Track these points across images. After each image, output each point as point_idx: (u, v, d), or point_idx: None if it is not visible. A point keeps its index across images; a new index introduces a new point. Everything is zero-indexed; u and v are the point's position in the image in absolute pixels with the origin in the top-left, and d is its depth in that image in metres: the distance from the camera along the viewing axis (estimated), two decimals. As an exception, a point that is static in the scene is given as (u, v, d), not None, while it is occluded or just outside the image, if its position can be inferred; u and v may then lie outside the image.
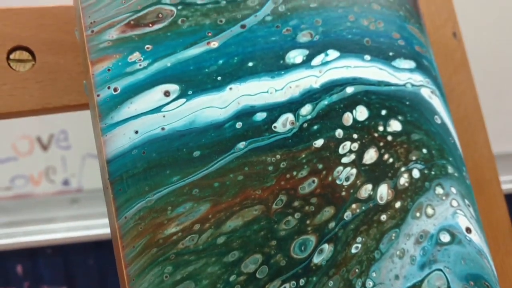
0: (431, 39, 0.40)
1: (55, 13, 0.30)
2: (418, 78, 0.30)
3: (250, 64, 0.26)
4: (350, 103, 0.27)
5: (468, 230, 0.28)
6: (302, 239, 0.25)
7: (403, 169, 0.28)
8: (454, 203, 0.29)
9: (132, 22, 0.24)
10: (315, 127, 0.26)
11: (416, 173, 0.28)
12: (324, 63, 0.27)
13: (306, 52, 0.27)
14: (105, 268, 0.86)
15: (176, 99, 0.24)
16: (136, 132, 0.23)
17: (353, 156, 0.27)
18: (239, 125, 0.25)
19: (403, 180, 0.28)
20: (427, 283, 0.26)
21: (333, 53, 0.28)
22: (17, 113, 0.29)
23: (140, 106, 0.23)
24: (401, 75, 0.29)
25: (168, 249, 0.22)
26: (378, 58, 0.29)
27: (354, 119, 0.27)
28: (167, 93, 0.24)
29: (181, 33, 0.25)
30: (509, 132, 0.90)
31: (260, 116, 0.25)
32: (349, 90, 0.28)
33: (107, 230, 0.80)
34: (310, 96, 0.27)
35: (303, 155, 0.26)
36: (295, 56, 0.27)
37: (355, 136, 0.27)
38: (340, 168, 0.26)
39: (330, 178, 0.26)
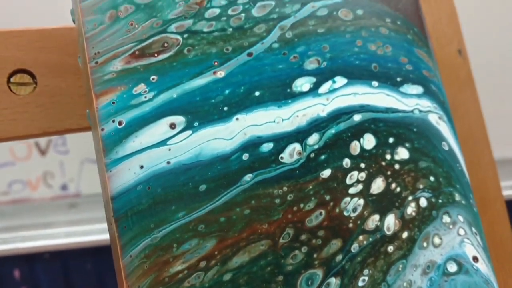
0: (436, 57, 0.39)
1: (57, 35, 0.29)
2: (425, 104, 0.29)
3: (257, 93, 0.25)
4: (358, 132, 0.27)
5: (475, 259, 0.28)
6: (309, 273, 0.24)
7: (410, 198, 0.27)
8: (461, 232, 0.28)
9: (137, 52, 0.23)
10: (323, 157, 0.26)
11: (423, 202, 0.28)
12: (331, 91, 0.27)
13: (314, 79, 0.27)
14: (104, 273, 0.85)
15: (182, 131, 0.23)
16: (141, 167, 0.22)
17: (360, 186, 0.26)
18: (245, 156, 0.24)
19: (410, 210, 0.27)
20: (435, 316, 0.26)
21: (340, 80, 0.27)
22: (17, 138, 0.28)
23: (145, 139, 0.22)
24: (408, 101, 0.29)
25: None
26: (386, 84, 0.29)
27: (362, 148, 0.27)
28: (172, 126, 0.23)
29: (187, 63, 0.24)
30: (510, 137, 0.90)
31: (267, 147, 0.25)
32: (357, 118, 0.27)
33: (105, 236, 0.80)
34: (317, 125, 0.26)
35: (311, 187, 0.25)
36: (302, 84, 0.26)
37: (362, 165, 0.27)
38: (348, 199, 0.26)
39: (337, 210, 0.25)
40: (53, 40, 0.29)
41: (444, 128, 0.30)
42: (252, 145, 0.24)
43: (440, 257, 0.27)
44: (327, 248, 0.25)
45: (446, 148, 0.29)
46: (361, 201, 0.26)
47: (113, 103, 0.22)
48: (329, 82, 0.27)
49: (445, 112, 0.30)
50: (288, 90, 0.26)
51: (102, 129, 0.22)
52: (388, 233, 0.26)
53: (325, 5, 0.28)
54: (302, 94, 0.26)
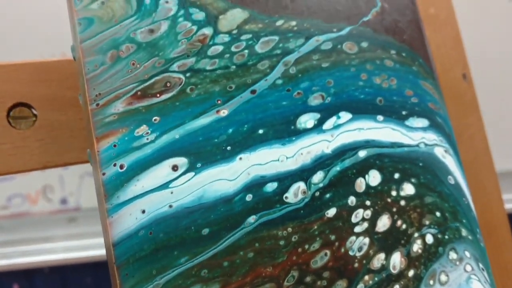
0: (441, 81, 0.39)
1: (57, 68, 0.29)
2: (431, 137, 0.29)
3: (261, 131, 0.25)
4: (363, 168, 0.27)
5: (482, 296, 0.28)
6: (314, 317, 0.24)
7: (416, 235, 0.27)
8: (468, 268, 0.28)
9: (139, 93, 0.23)
10: (328, 195, 0.25)
11: (429, 238, 0.27)
12: (336, 127, 0.27)
13: (318, 115, 0.26)
14: (103, 287, 0.85)
15: (185, 173, 0.23)
16: (143, 211, 0.22)
17: (366, 225, 0.26)
18: (249, 197, 0.24)
19: (416, 247, 0.27)
20: None
21: (345, 115, 0.27)
22: (15, 172, 0.28)
23: (147, 183, 0.22)
24: (414, 135, 0.29)
25: (176, 336, 0.21)
26: (391, 118, 0.28)
27: (367, 185, 0.26)
28: (175, 168, 0.23)
29: (190, 102, 0.24)
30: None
31: (271, 186, 0.24)
32: (362, 154, 0.27)
33: (104, 251, 0.79)
34: (322, 162, 0.26)
35: (315, 227, 0.25)
36: (306, 120, 0.26)
37: (368, 203, 0.26)
38: (353, 238, 0.25)
39: (342, 250, 0.25)
40: (52, 73, 0.29)
41: (450, 162, 0.29)
42: (256, 185, 0.24)
43: (447, 295, 0.27)
44: (332, 290, 0.24)
45: (452, 182, 0.29)
46: (367, 240, 0.26)
47: (115, 146, 0.22)
48: (334, 118, 0.27)
49: (451, 145, 0.30)
50: (292, 127, 0.25)
51: (103, 174, 0.21)
52: (394, 271, 0.26)
53: (329, 39, 0.28)
54: (307, 131, 0.26)
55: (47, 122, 0.28)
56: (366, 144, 0.27)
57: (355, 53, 0.28)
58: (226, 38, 0.25)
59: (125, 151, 0.22)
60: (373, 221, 0.26)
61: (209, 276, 0.22)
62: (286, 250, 0.24)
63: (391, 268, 0.26)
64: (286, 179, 0.25)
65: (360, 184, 0.26)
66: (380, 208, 0.26)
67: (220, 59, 0.25)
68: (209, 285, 0.22)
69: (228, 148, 0.24)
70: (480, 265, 0.28)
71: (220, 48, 0.25)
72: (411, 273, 0.26)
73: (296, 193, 0.25)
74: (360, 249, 0.26)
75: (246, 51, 0.25)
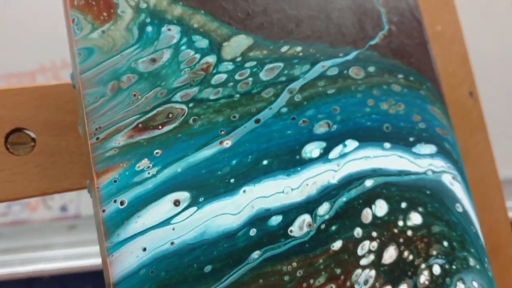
0: (447, 100, 0.38)
1: (56, 92, 0.28)
2: (439, 164, 0.28)
3: (265, 162, 0.24)
4: (369, 198, 0.26)
5: (491, 328, 0.27)
6: None
7: (423, 266, 0.26)
8: (476, 299, 0.27)
9: (140, 125, 0.22)
10: (333, 227, 0.25)
11: (436, 269, 0.27)
12: (342, 155, 0.26)
13: (324, 144, 0.26)
14: (103, 295, 0.84)
15: (187, 208, 0.22)
16: (144, 249, 0.21)
17: (372, 257, 0.25)
18: (253, 232, 0.23)
19: (423, 278, 0.26)
20: None
21: (351, 144, 0.26)
22: (13, 199, 0.27)
23: (148, 220, 0.21)
24: (421, 162, 0.28)
25: None
26: (398, 145, 0.27)
27: (374, 215, 0.26)
28: (177, 203, 0.22)
29: (192, 134, 0.23)
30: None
31: (276, 220, 0.24)
32: (368, 183, 0.26)
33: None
34: (328, 193, 0.25)
35: (321, 260, 0.24)
36: (312, 149, 0.25)
37: (374, 234, 0.26)
38: (359, 271, 0.25)
39: (348, 283, 0.24)
40: (52, 97, 0.28)
41: (458, 189, 0.29)
42: (260, 219, 0.23)
43: (455, 328, 0.26)
44: (338, 327, 0.24)
45: (460, 210, 0.28)
46: (373, 273, 0.25)
47: (115, 181, 0.21)
48: (340, 147, 0.26)
49: (459, 172, 0.29)
50: (298, 157, 0.25)
51: (103, 211, 0.21)
52: (400, 305, 0.25)
53: (335, 64, 0.27)
54: (312, 161, 0.25)
55: (46, 148, 0.28)
56: (373, 173, 0.26)
57: (362, 78, 0.27)
58: (230, 66, 0.25)
59: (126, 187, 0.21)
60: (379, 253, 0.26)
61: (212, 315, 0.22)
62: (290, 286, 0.23)
63: (398, 301, 0.25)
64: (291, 212, 0.24)
65: (366, 215, 0.26)
66: (387, 239, 0.26)
67: (224, 88, 0.24)
68: (212, 324, 0.21)
69: (232, 180, 0.23)
70: (489, 296, 0.28)
71: (224, 76, 0.24)
72: (418, 305, 0.26)
73: (301, 226, 0.24)
74: (366, 282, 0.25)
75: (251, 79, 0.25)
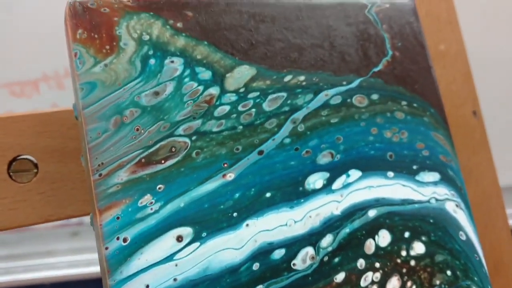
0: (450, 119, 0.38)
1: (58, 118, 0.28)
2: (442, 192, 0.28)
3: (268, 194, 0.24)
4: (373, 228, 0.26)
5: None
6: None
7: (426, 295, 0.26)
8: (479, 328, 0.27)
9: (143, 160, 0.22)
10: (336, 259, 0.25)
11: (440, 299, 0.27)
12: (345, 186, 0.26)
13: (327, 175, 0.25)
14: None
15: (190, 244, 0.22)
16: (147, 286, 0.21)
17: (375, 288, 0.25)
18: (256, 266, 0.23)
19: (427, 309, 0.26)
20: None
21: (355, 173, 0.26)
22: (15, 227, 0.27)
23: (151, 256, 0.21)
24: (425, 190, 0.28)
25: None
26: (402, 173, 0.27)
27: (377, 246, 0.26)
28: (179, 238, 0.22)
29: (195, 167, 0.23)
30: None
31: (279, 253, 0.23)
32: (372, 213, 0.26)
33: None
34: (331, 224, 0.25)
35: (323, 293, 0.24)
36: (315, 180, 0.25)
37: (377, 265, 0.25)
38: (362, 303, 0.25)
39: (351, 316, 0.24)
40: (54, 123, 0.28)
41: (461, 217, 0.29)
42: (263, 253, 0.23)
43: None
44: None
45: (464, 238, 0.28)
46: (376, 304, 0.25)
47: (118, 218, 0.21)
48: (343, 177, 0.26)
49: (463, 199, 0.29)
50: (301, 188, 0.25)
51: (106, 248, 0.21)
52: (403, 336, 0.25)
53: (338, 93, 0.27)
54: (315, 192, 0.25)
55: (48, 175, 0.28)
56: (376, 203, 0.26)
57: (365, 107, 0.27)
58: (233, 97, 0.24)
59: (129, 223, 0.21)
60: (382, 283, 0.25)
61: None
62: (293, 320, 0.23)
63: (400, 332, 0.25)
64: (294, 245, 0.24)
65: (369, 246, 0.26)
66: (390, 269, 0.26)
67: (227, 120, 0.24)
68: None
69: (235, 214, 0.23)
70: (492, 324, 0.28)
71: (227, 108, 0.24)
72: (421, 336, 0.26)
73: (304, 259, 0.24)
74: (369, 314, 0.25)
75: (254, 110, 0.25)
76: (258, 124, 0.25)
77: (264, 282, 0.23)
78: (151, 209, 0.22)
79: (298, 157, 0.25)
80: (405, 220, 0.27)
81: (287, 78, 0.26)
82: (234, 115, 0.24)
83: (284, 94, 0.26)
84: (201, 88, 0.24)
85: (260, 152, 0.24)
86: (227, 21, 0.25)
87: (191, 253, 0.22)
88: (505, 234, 0.40)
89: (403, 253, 0.26)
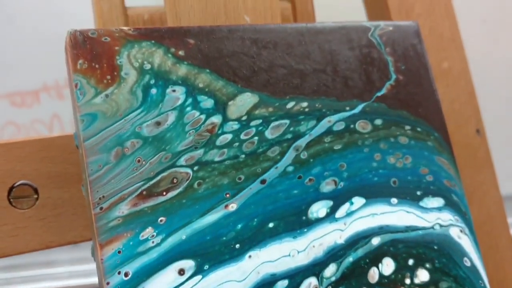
0: (454, 138, 0.38)
1: (59, 144, 0.28)
2: (446, 217, 0.28)
3: (271, 225, 0.24)
4: (376, 257, 0.26)
5: None
6: None
7: (431, 324, 0.26)
8: None
9: (144, 193, 0.22)
10: (340, 289, 0.24)
11: (444, 327, 0.26)
12: (349, 214, 0.25)
13: (330, 203, 0.25)
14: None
15: (191, 277, 0.22)
16: (148, 322, 0.21)
17: (379, 318, 0.25)
18: (258, 298, 0.23)
19: (431, 337, 0.26)
20: None
21: (358, 201, 0.26)
22: (16, 254, 0.27)
23: (152, 291, 0.21)
24: (429, 216, 0.27)
25: None
26: (405, 199, 0.27)
27: (380, 275, 0.25)
28: (181, 272, 0.22)
29: (197, 199, 0.23)
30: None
31: (282, 284, 0.23)
32: (375, 241, 0.26)
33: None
34: (335, 254, 0.25)
35: (327, 325, 0.24)
36: (319, 209, 0.25)
37: (381, 294, 0.25)
38: (366, 333, 0.24)
39: None
40: (55, 149, 0.28)
41: (465, 242, 0.28)
42: (266, 284, 0.23)
43: None
44: None
45: (468, 264, 0.28)
46: (380, 334, 0.25)
47: (119, 252, 0.21)
48: (347, 205, 0.26)
49: (467, 224, 0.29)
50: (304, 217, 0.24)
51: (108, 283, 0.20)
52: None
53: (342, 118, 0.27)
54: (319, 221, 0.25)
55: (49, 201, 0.27)
56: (380, 231, 0.26)
57: (369, 132, 0.27)
58: (236, 126, 0.24)
59: (130, 257, 0.21)
60: (386, 313, 0.25)
61: None
62: None
63: None
64: (297, 276, 0.24)
65: (373, 275, 0.25)
66: (394, 298, 0.25)
67: (229, 149, 0.24)
68: None
69: (237, 246, 0.23)
70: None
71: (229, 136, 0.24)
72: None
73: (307, 289, 0.24)
74: None
75: (256, 138, 0.24)
76: (261, 153, 0.24)
77: (267, 314, 0.23)
78: (153, 242, 0.22)
79: (301, 185, 0.25)
80: (409, 247, 0.26)
81: (290, 104, 0.26)
82: (237, 144, 0.24)
83: (287, 121, 0.25)
84: (203, 117, 0.24)
85: (263, 181, 0.24)
86: (229, 48, 0.25)
87: (193, 286, 0.22)
88: (509, 254, 0.40)
89: (407, 281, 0.26)
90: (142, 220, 0.22)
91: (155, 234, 0.22)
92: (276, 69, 0.26)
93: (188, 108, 0.23)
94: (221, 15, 0.28)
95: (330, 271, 0.24)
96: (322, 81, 0.27)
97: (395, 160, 0.27)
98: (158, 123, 0.23)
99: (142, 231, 0.21)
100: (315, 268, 0.24)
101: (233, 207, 0.23)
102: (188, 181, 0.23)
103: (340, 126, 0.27)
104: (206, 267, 0.22)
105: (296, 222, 0.24)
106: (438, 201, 0.28)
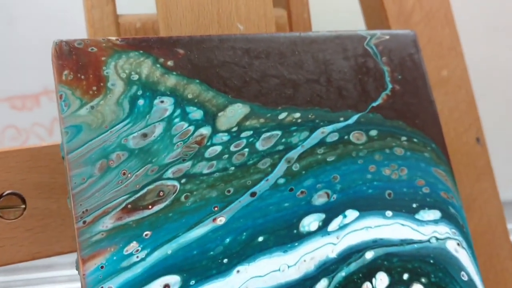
0: (453, 147, 0.37)
1: (47, 153, 0.27)
2: (443, 230, 0.27)
3: (260, 239, 0.23)
4: (370, 271, 0.25)
5: None
6: None
7: None
8: None
9: (129, 206, 0.21)
10: (331, 306, 0.24)
11: None
12: (342, 227, 0.25)
13: (323, 216, 0.25)
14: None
15: (177, 293, 0.21)
16: None
17: (372, 335, 0.24)
18: (247, 314, 0.22)
19: None
20: None
21: (351, 214, 0.25)
22: (2, 265, 0.27)
23: (136, 307, 0.20)
24: (425, 229, 0.27)
25: None
26: (401, 212, 0.26)
27: (374, 290, 0.25)
28: (166, 287, 0.21)
29: (184, 212, 0.22)
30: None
31: (271, 300, 0.23)
32: (369, 255, 0.25)
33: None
34: (326, 268, 0.24)
35: None
36: (310, 222, 0.24)
37: (374, 310, 0.24)
38: None
39: None
40: (43, 158, 0.27)
41: (463, 256, 0.28)
42: (254, 300, 0.22)
43: None
44: None
45: (465, 278, 0.27)
46: None
47: (102, 267, 0.20)
48: (340, 218, 0.25)
49: (464, 237, 0.28)
50: (295, 231, 0.24)
51: (90, 299, 0.20)
52: None
53: (335, 129, 0.26)
54: (310, 235, 0.24)
55: (37, 211, 0.27)
56: (373, 244, 0.25)
57: (363, 143, 0.26)
58: (225, 137, 0.24)
59: (114, 273, 0.21)
60: (380, 330, 0.24)
61: None
62: None
63: None
64: (287, 291, 0.23)
65: (366, 290, 0.25)
66: (388, 315, 0.25)
67: (218, 161, 0.23)
68: None
69: (225, 260, 0.22)
70: None
71: (218, 148, 0.23)
72: None
73: (297, 305, 0.23)
74: None
75: (246, 149, 0.24)
76: (251, 165, 0.24)
77: (255, 331, 0.22)
78: (137, 257, 0.21)
79: (292, 198, 0.24)
80: (404, 261, 0.26)
81: (282, 115, 0.25)
82: (226, 156, 0.23)
83: (279, 133, 0.25)
84: (191, 128, 0.23)
85: (253, 194, 0.24)
86: (220, 58, 0.24)
87: (178, 303, 0.21)
88: (510, 263, 0.39)
89: (402, 296, 0.25)
90: (126, 235, 0.21)
91: (139, 248, 0.21)
92: (268, 79, 0.25)
93: (177, 120, 0.23)
94: (214, 24, 0.28)
95: (322, 286, 0.24)
96: (316, 91, 0.26)
97: (390, 171, 0.27)
98: (144, 135, 0.22)
99: (126, 246, 0.21)
100: (306, 283, 0.23)
101: (221, 220, 0.23)
102: (175, 194, 0.22)
103: (334, 137, 0.26)
104: (192, 282, 0.22)
105: (287, 236, 0.24)
106: (435, 214, 0.27)
